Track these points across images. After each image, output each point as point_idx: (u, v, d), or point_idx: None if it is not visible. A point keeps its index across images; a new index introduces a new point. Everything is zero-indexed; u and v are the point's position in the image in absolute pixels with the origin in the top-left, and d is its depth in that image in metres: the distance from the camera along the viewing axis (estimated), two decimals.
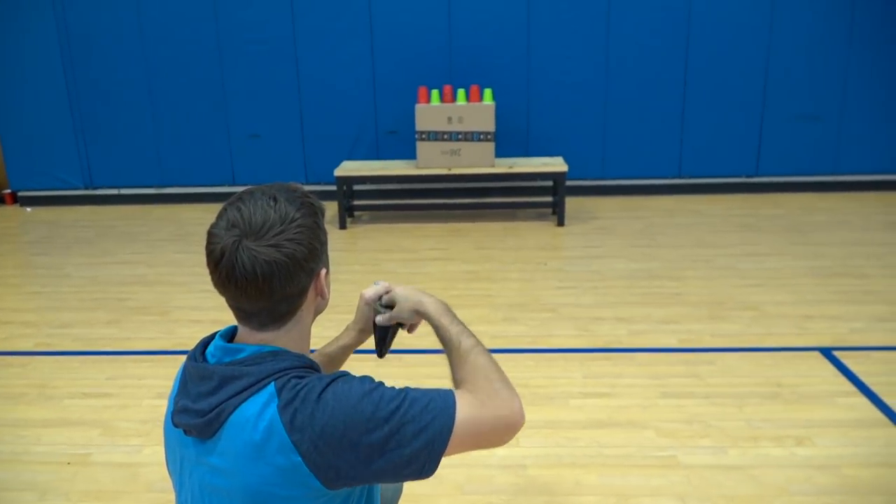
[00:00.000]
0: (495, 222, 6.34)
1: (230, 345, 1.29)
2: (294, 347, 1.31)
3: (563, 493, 2.64)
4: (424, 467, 1.22)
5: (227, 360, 1.27)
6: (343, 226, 6.21)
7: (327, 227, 1.35)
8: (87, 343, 4.08)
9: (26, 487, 2.78)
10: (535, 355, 3.77)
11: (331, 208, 6.64)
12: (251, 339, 1.29)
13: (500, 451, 2.91)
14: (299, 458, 1.18)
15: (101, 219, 6.87)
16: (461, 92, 6.21)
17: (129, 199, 7.34)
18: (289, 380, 1.23)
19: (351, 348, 1.72)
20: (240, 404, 1.21)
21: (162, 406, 3.32)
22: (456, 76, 6.70)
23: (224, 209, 1.26)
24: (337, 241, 5.84)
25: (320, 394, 1.20)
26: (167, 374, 3.66)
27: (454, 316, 1.47)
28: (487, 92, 6.21)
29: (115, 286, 4.99)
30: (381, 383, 1.26)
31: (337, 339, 1.71)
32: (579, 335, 4.00)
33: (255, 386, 1.22)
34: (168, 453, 1.38)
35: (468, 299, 4.55)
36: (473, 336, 1.41)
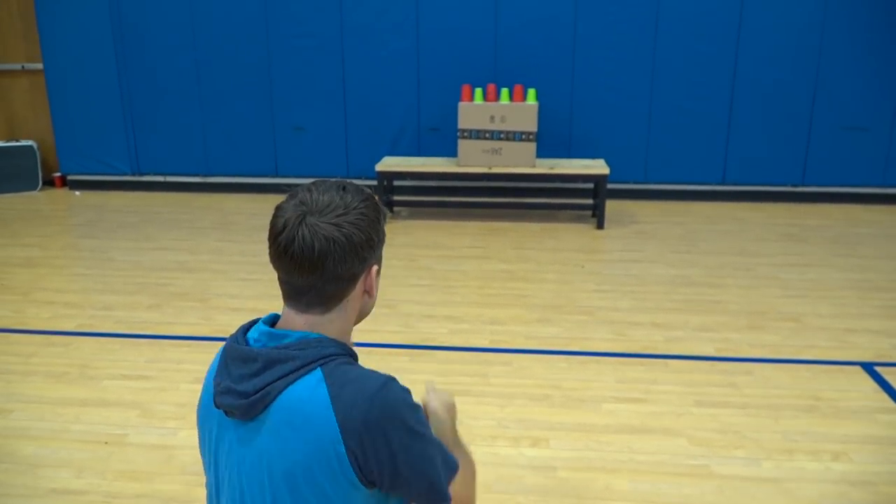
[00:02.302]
0: (534, 223, 6.32)
1: (275, 330, 1.31)
2: (338, 337, 1.33)
3: (593, 497, 2.63)
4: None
5: (272, 344, 1.29)
6: None
7: None
8: (128, 326, 4.17)
9: (63, 465, 2.85)
10: (569, 357, 3.76)
11: None
12: (296, 322, 1.31)
13: (529, 452, 2.91)
14: (344, 450, 1.20)
15: (146, 205, 7.00)
16: (505, 91, 6.20)
17: (174, 187, 7.47)
18: (337, 367, 1.25)
19: None
20: (286, 387, 1.23)
21: (199, 391, 3.38)
22: (500, 75, 6.69)
23: (295, 191, 1.32)
24: None
25: (379, 389, 1.23)
26: (205, 360, 3.70)
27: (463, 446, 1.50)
28: (531, 92, 6.19)
29: (157, 271, 5.08)
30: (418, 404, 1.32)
31: None
32: (614, 339, 3.97)
33: (302, 370, 1.24)
34: (202, 435, 1.40)
35: (504, 298, 4.55)
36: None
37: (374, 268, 1.34)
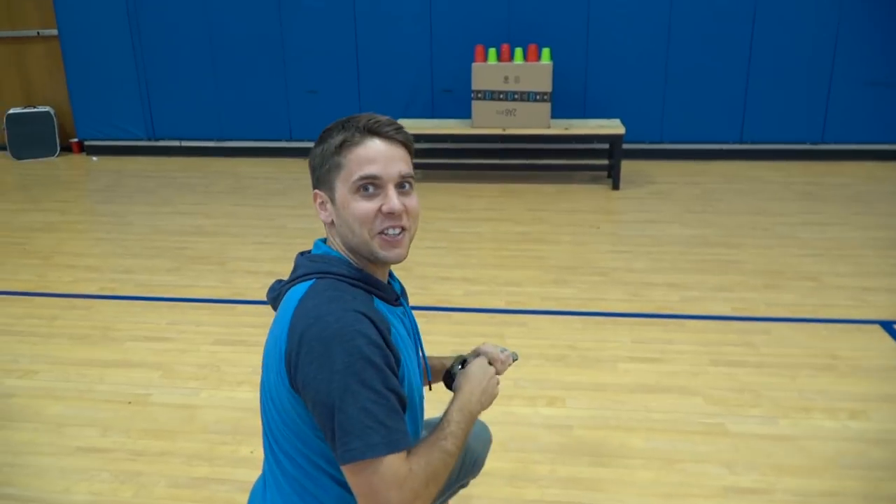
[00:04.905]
0: (549, 184, 6.30)
1: (318, 241, 1.50)
2: (349, 258, 1.43)
3: (608, 455, 2.66)
4: (333, 450, 1.26)
5: (309, 252, 1.49)
6: None
7: None
8: (148, 289, 4.22)
9: (89, 423, 2.91)
10: (584, 318, 3.77)
11: None
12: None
13: (545, 411, 2.94)
14: (284, 349, 1.31)
15: (162, 169, 7.03)
16: (518, 51, 6.13)
17: (189, 151, 7.48)
18: (330, 283, 1.36)
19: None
20: (290, 289, 1.41)
21: (220, 352, 3.44)
22: (514, 35, 6.61)
23: None
24: None
25: (335, 313, 1.28)
26: (224, 322, 3.76)
27: (469, 421, 1.44)
28: (545, 51, 6.12)
29: (175, 235, 5.12)
30: (381, 370, 1.25)
31: (443, 358, 1.75)
32: (630, 300, 3.98)
33: (302, 277, 1.40)
34: None
35: (519, 260, 4.55)
36: (459, 450, 1.37)
37: (314, 192, 1.46)
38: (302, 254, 1.50)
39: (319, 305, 1.29)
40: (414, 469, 1.26)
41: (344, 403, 1.22)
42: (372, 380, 1.24)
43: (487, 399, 1.52)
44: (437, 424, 1.39)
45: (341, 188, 1.39)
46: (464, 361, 1.64)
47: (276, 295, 1.47)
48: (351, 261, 1.42)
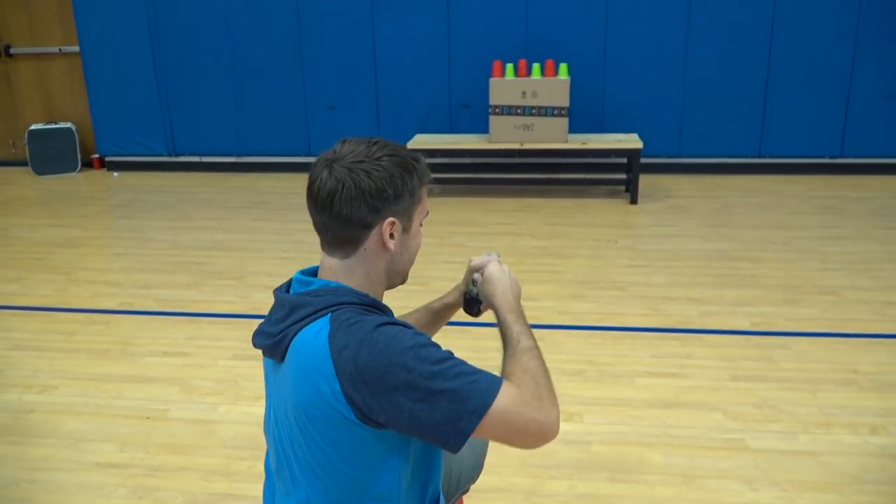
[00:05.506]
0: (567, 198, 6.29)
1: (305, 277, 1.43)
2: (360, 288, 1.39)
3: (627, 471, 2.64)
4: (449, 440, 1.25)
5: (300, 290, 1.40)
6: None
7: None
8: (167, 304, 4.25)
9: (107, 439, 2.92)
10: (602, 333, 3.75)
11: None
12: (324, 266, 1.41)
13: (563, 427, 2.90)
14: (339, 387, 1.26)
15: (182, 185, 7.09)
16: (536, 66, 6.14)
17: (209, 167, 7.55)
18: (345, 313, 1.32)
19: (454, 307, 1.82)
20: (300, 330, 1.33)
21: (238, 367, 3.45)
22: (531, 50, 6.63)
23: (337, 142, 1.41)
24: None
25: (370, 332, 1.27)
26: (243, 337, 3.77)
27: (521, 315, 1.51)
28: (563, 66, 6.13)
29: (194, 250, 5.16)
30: (435, 344, 1.30)
31: (442, 297, 1.81)
32: (648, 314, 3.95)
33: (313, 315, 1.33)
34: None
35: (537, 275, 4.54)
36: (533, 339, 1.43)
37: (390, 220, 1.37)
38: (284, 290, 1.44)
39: (353, 333, 1.28)
40: (519, 383, 1.30)
41: (438, 385, 1.24)
42: (438, 353, 1.28)
43: (518, 289, 1.61)
44: (503, 338, 1.45)
45: (416, 220, 1.45)
46: (473, 283, 1.71)
47: (276, 340, 1.37)
48: (356, 288, 1.39)
